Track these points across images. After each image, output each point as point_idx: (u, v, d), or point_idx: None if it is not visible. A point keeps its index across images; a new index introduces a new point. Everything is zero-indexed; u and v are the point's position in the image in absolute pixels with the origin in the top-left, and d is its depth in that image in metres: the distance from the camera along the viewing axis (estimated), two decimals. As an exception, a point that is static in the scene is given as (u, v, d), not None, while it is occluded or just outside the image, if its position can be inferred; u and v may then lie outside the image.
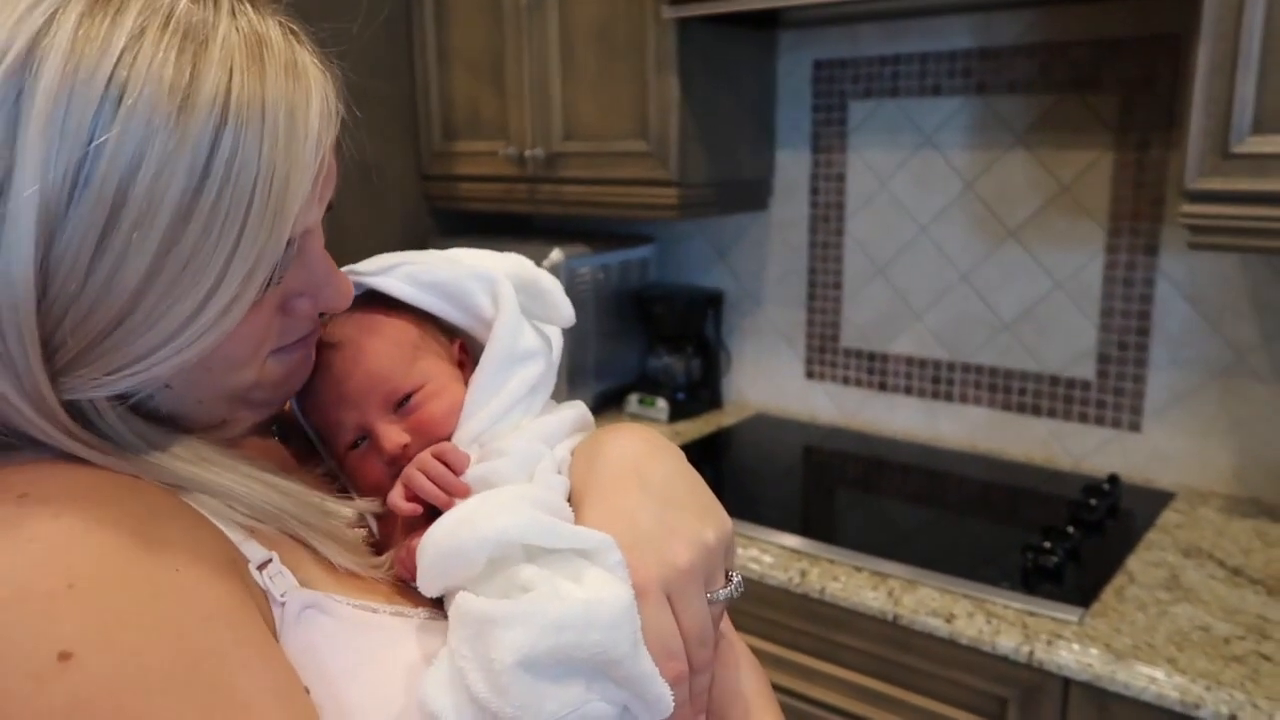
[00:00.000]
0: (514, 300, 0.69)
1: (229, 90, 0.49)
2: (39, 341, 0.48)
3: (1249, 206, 1.25)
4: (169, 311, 0.50)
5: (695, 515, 0.60)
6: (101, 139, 0.46)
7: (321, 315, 0.65)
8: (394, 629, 0.58)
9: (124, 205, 0.47)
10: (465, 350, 0.73)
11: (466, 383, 0.69)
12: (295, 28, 0.56)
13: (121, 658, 0.45)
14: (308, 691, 0.52)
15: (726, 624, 0.67)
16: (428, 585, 0.58)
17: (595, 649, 0.52)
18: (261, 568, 0.55)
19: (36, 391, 0.49)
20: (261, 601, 0.54)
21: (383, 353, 0.67)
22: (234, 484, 0.57)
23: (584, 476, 0.63)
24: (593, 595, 0.54)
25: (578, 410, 0.72)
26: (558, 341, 0.73)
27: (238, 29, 0.51)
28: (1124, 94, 1.65)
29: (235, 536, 0.55)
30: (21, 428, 0.51)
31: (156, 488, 0.54)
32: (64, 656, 0.44)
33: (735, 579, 0.61)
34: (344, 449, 0.68)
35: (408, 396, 0.66)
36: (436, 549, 0.57)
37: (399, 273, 0.70)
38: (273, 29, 0.53)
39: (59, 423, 0.51)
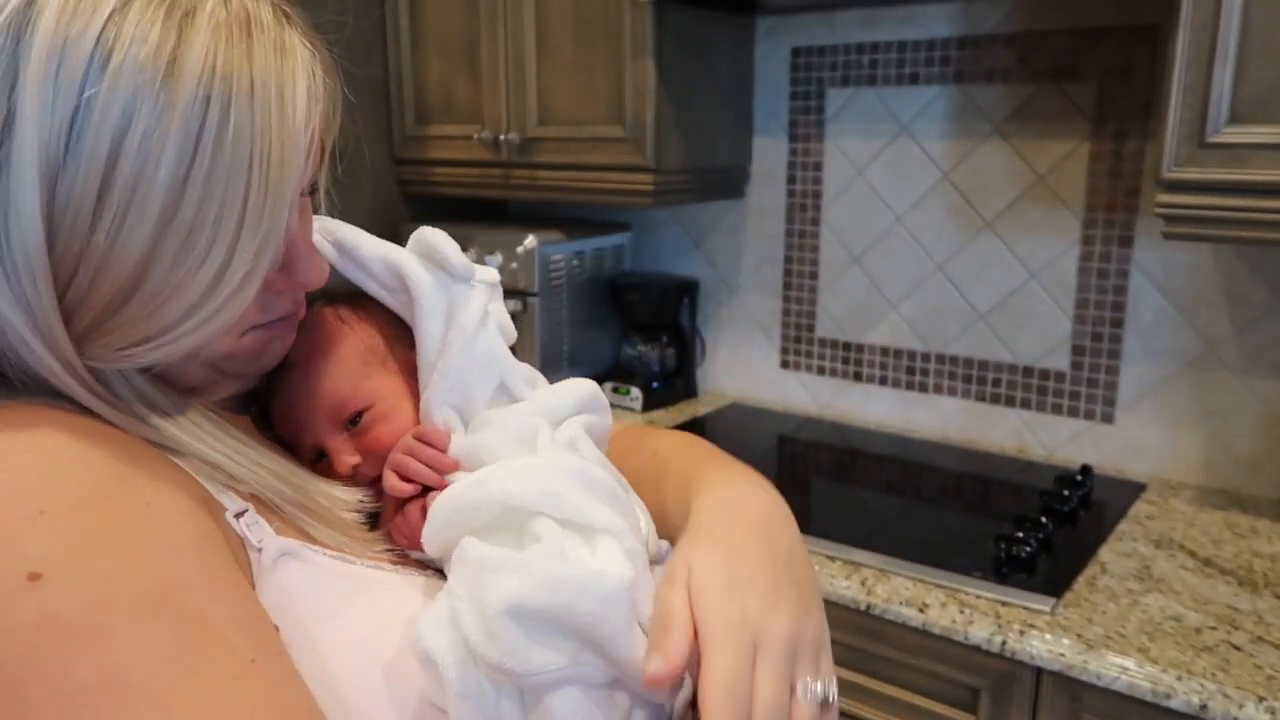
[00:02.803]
0: (418, 266, 0.69)
1: (216, 62, 0.51)
2: (52, 284, 0.50)
3: (1224, 197, 1.25)
4: (184, 285, 0.51)
5: (802, 598, 0.56)
6: (91, 92, 0.48)
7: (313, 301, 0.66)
8: (370, 578, 0.59)
9: (116, 164, 0.49)
10: None
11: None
12: (289, 10, 0.58)
13: (91, 580, 0.46)
14: (277, 630, 0.53)
15: None
16: (431, 541, 0.58)
17: (588, 618, 0.51)
18: (239, 516, 0.56)
19: (49, 329, 0.51)
20: (238, 549, 0.55)
21: (328, 374, 0.67)
22: (225, 458, 0.58)
23: (714, 513, 0.61)
24: (597, 565, 0.53)
25: (583, 389, 0.71)
26: (490, 288, 0.71)
27: (226, 6, 0.53)
28: (1102, 84, 1.65)
29: (212, 488, 0.56)
30: (33, 366, 0.52)
31: (140, 441, 0.55)
32: (33, 577, 0.45)
33: (830, 683, 0.54)
34: (309, 463, 0.68)
35: (359, 414, 0.67)
36: (450, 506, 0.57)
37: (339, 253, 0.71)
38: (264, 9, 0.55)
39: (65, 361, 0.52)
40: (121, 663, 0.45)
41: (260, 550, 0.56)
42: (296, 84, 0.54)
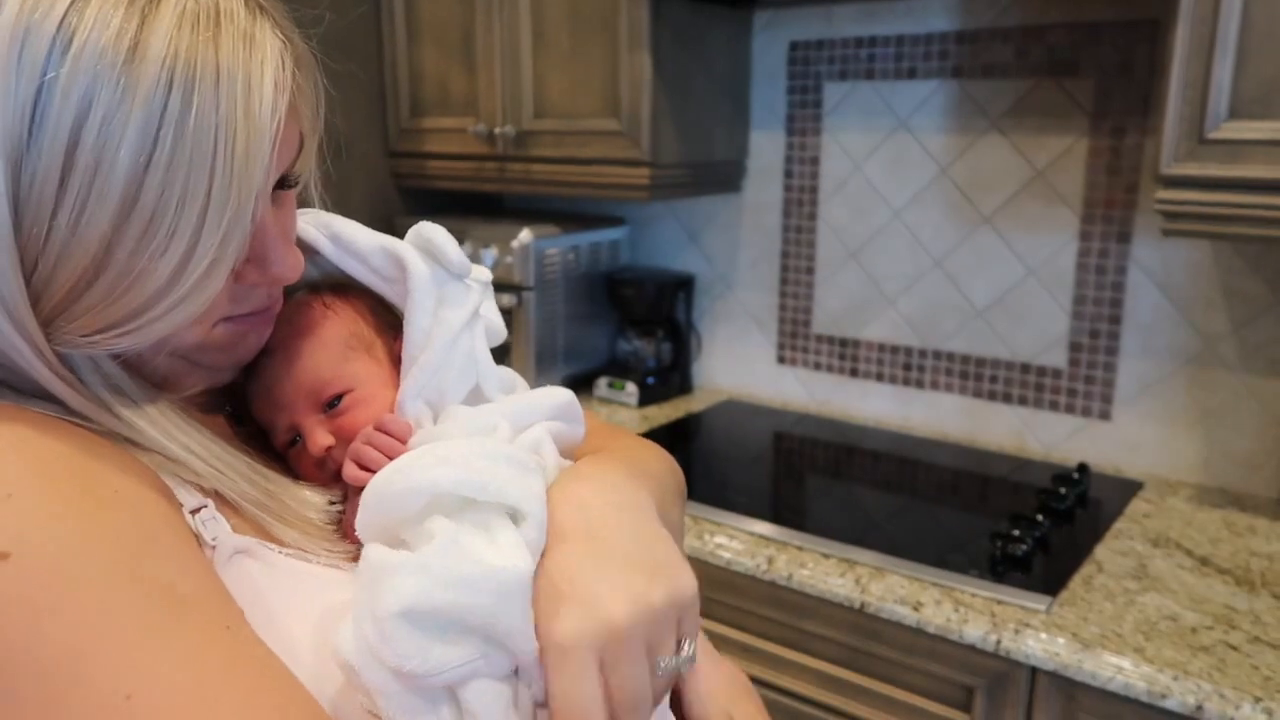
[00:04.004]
0: (418, 258, 0.68)
1: (179, 48, 0.50)
2: (19, 265, 0.50)
3: (1223, 193, 1.24)
4: (147, 272, 0.51)
5: (645, 573, 0.55)
6: (51, 75, 0.48)
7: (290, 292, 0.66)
8: (326, 575, 0.59)
9: (77, 148, 0.49)
10: None
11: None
12: (266, 3, 0.57)
13: (59, 557, 0.46)
14: (241, 613, 0.53)
15: (714, 658, 0.66)
16: (364, 533, 0.57)
17: (485, 614, 0.51)
18: (195, 512, 0.56)
19: (15, 309, 0.51)
20: (194, 545, 0.55)
21: (310, 355, 0.67)
22: (189, 453, 0.58)
23: (558, 510, 0.61)
24: (494, 560, 0.53)
25: (556, 397, 0.70)
26: (482, 287, 0.72)
27: None
28: (1101, 79, 1.64)
29: (172, 482, 0.57)
30: (3, 350, 0.52)
31: (103, 438, 0.55)
32: (2, 556, 0.45)
33: (687, 648, 0.56)
34: (283, 447, 0.68)
35: (337, 398, 0.67)
36: (374, 496, 0.57)
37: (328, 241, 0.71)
38: (237, 2, 0.55)
39: (32, 342, 0.52)
40: (93, 632, 0.45)
41: (214, 547, 0.56)
42: (264, 74, 0.54)
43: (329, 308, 0.70)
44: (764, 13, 1.97)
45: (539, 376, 2.04)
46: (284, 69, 0.56)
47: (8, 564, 0.45)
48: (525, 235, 1.98)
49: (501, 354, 0.80)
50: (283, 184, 0.61)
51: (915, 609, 1.28)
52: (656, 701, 0.56)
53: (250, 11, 0.55)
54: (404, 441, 0.63)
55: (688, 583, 0.57)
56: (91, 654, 0.45)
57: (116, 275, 0.51)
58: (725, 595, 1.46)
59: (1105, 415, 1.72)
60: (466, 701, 0.52)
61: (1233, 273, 1.57)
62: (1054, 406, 1.77)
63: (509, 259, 1.99)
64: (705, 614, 0.71)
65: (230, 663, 0.48)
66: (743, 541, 1.45)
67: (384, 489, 0.56)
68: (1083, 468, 1.64)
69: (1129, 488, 1.63)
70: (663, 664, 0.55)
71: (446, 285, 0.68)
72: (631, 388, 2.09)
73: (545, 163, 1.94)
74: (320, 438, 0.66)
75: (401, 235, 0.71)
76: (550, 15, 1.85)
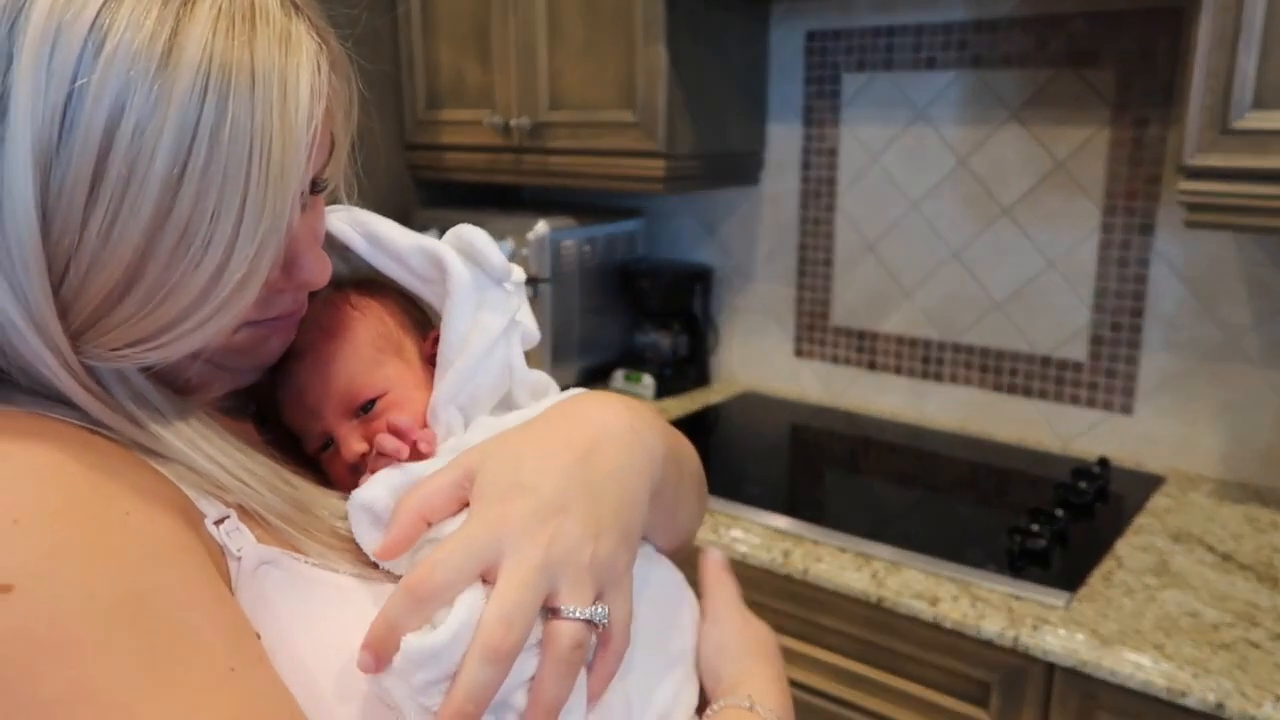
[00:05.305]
0: (458, 261, 0.68)
1: (214, 53, 0.49)
2: (46, 275, 0.49)
3: (1248, 184, 1.22)
4: (180, 285, 0.50)
5: (594, 520, 0.55)
6: (83, 81, 0.47)
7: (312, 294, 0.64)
8: (351, 586, 0.57)
9: (109, 156, 0.47)
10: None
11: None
12: (300, 2, 0.56)
13: (63, 589, 0.45)
14: (258, 637, 0.52)
15: (743, 615, 0.68)
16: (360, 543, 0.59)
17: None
18: (219, 523, 0.55)
19: (43, 320, 0.50)
20: (217, 556, 0.54)
21: (342, 360, 0.66)
22: (215, 465, 0.56)
23: (545, 417, 0.61)
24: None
25: None
26: (518, 290, 0.71)
27: None
28: (1122, 69, 1.61)
29: (195, 494, 0.55)
30: (28, 359, 0.51)
31: (124, 449, 0.53)
32: (4, 589, 0.43)
33: (600, 608, 0.54)
34: (315, 452, 0.67)
35: (371, 403, 0.66)
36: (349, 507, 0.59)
37: (362, 238, 0.70)
38: (273, 1, 0.53)
39: (59, 354, 0.51)
40: (93, 673, 0.44)
41: (239, 559, 0.54)
42: (300, 78, 0.52)
43: (356, 308, 0.69)
44: (781, 3, 1.95)
45: (555, 369, 2.04)
46: (320, 73, 0.54)
47: (11, 597, 0.44)
48: (541, 227, 1.98)
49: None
50: (312, 188, 0.60)
51: (932, 604, 1.27)
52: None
53: (286, 12, 0.53)
54: (427, 453, 0.63)
55: (622, 556, 0.57)
56: (85, 700, 0.43)
57: (150, 288, 0.50)
58: (741, 589, 1.45)
59: (1126, 409, 1.71)
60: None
61: (1256, 265, 1.55)
62: (1074, 400, 1.76)
63: (525, 251, 1.99)
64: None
65: (227, 716, 0.46)
66: (759, 535, 1.45)
67: (349, 505, 0.59)
68: (1103, 462, 1.62)
69: (1150, 482, 1.61)
70: (569, 611, 0.53)
71: (486, 290, 0.67)
72: (648, 380, 2.08)
73: (560, 154, 1.93)
74: (355, 444, 0.65)
75: (418, 227, 0.71)
76: (565, 7, 1.84)
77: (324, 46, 0.56)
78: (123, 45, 0.47)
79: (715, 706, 0.64)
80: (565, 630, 0.52)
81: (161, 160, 0.48)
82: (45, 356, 0.50)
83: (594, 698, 0.56)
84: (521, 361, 0.69)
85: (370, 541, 0.58)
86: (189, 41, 0.48)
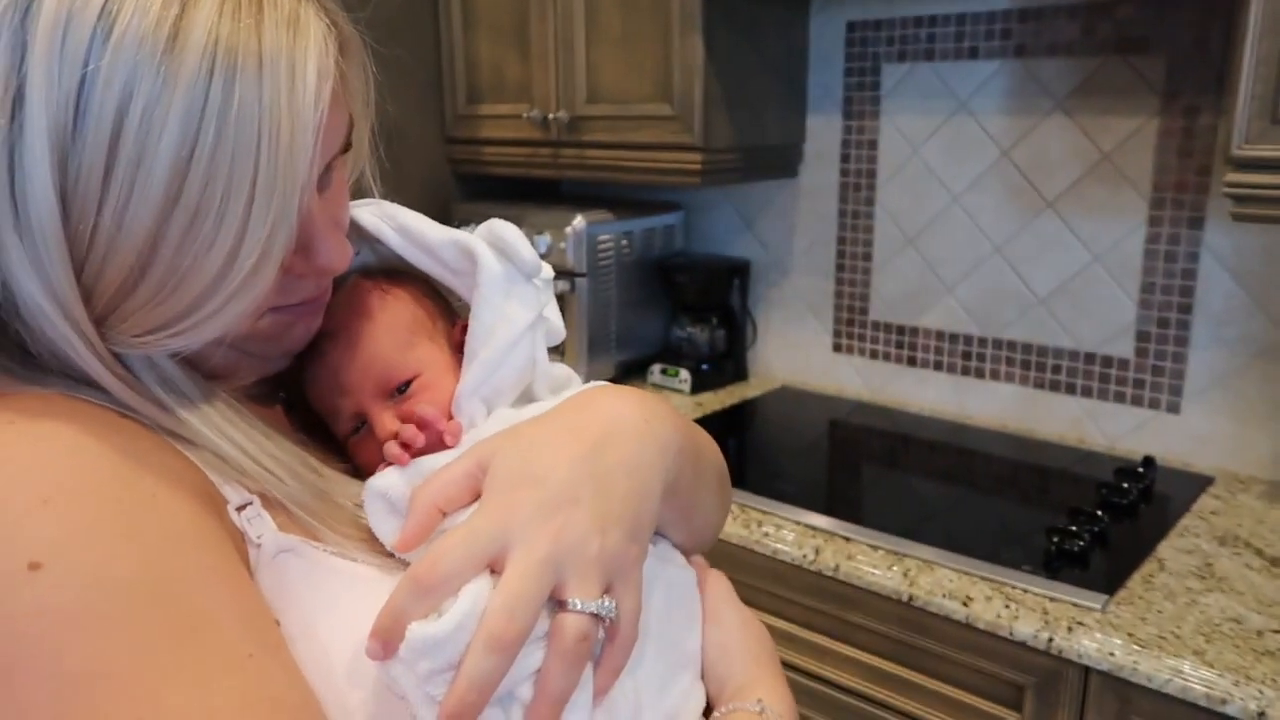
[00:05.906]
0: (490, 253, 0.67)
1: (221, 36, 0.49)
2: (68, 259, 0.50)
3: (1299, 175, 1.18)
4: (194, 269, 0.50)
5: (603, 514, 0.54)
6: (93, 66, 0.48)
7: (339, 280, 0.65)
8: (370, 575, 0.57)
9: (120, 140, 0.48)
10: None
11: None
12: None
13: (89, 568, 0.45)
14: (278, 624, 0.52)
15: (741, 614, 0.67)
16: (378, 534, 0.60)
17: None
18: (241, 509, 0.56)
19: (68, 304, 0.51)
20: (239, 542, 0.54)
21: (377, 340, 0.67)
22: (239, 452, 0.57)
23: (559, 410, 0.61)
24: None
25: None
26: (547, 287, 0.71)
27: None
28: (1172, 57, 1.57)
29: (219, 479, 0.56)
30: (57, 342, 0.51)
31: (150, 433, 0.54)
32: (33, 566, 0.45)
33: (607, 602, 0.53)
34: (345, 435, 0.68)
35: (406, 384, 0.66)
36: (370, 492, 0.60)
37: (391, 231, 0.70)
38: None
39: (85, 337, 0.52)
40: (114, 651, 0.44)
41: (260, 546, 0.55)
42: (308, 61, 0.52)
43: (389, 293, 0.70)
44: (821, -7, 1.93)
45: (591, 364, 2.04)
46: (328, 54, 0.54)
47: (39, 575, 0.45)
48: (579, 221, 1.98)
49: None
50: (328, 171, 0.59)
51: (964, 604, 1.25)
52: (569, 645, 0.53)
53: None
54: (453, 445, 0.63)
55: (631, 551, 0.56)
56: (106, 676, 0.44)
57: (164, 271, 0.50)
58: (772, 585, 1.44)
59: (1174, 408, 1.66)
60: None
61: (1312, 259, 1.50)
62: (1119, 398, 1.71)
63: (562, 245, 1.99)
64: (749, 602, 0.70)
65: (243, 699, 0.46)
66: (792, 531, 1.43)
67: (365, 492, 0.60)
68: (1148, 461, 1.58)
69: (1197, 483, 1.57)
70: (576, 604, 0.52)
71: (516, 284, 0.68)
72: (685, 374, 2.07)
73: (599, 148, 1.93)
74: (389, 423, 0.65)
75: (457, 222, 0.71)
76: (603, 0, 1.84)
77: (334, 28, 0.56)
78: (130, 30, 0.48)
79: (723, 710, 0.64)
80: (570, 622, 0.52)
81: (169, 142, 0.48)
82: (73, 340, 0.51)
83: (600, 692, 0.56)
84: (545, 356, 0.69)
85: (385, 530, 0.58)
86: (195, 25, 0.49)
